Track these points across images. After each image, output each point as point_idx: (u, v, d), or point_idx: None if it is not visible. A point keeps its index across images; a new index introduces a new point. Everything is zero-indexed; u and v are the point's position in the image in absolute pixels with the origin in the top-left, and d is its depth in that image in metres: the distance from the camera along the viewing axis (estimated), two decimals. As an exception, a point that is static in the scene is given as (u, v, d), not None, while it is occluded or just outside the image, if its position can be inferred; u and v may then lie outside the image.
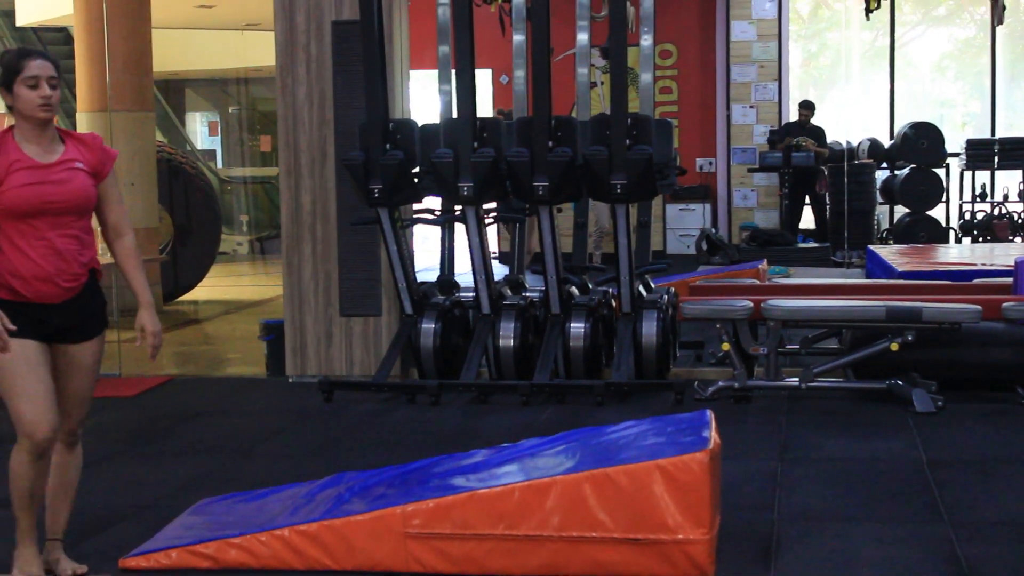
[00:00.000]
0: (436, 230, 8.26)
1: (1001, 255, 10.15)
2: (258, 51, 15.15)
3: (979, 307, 6.49)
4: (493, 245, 12.86)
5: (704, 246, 13.00)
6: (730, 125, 15.41)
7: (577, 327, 7.09)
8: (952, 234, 14.19)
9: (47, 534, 4.10)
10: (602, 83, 14.47)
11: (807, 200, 14.47)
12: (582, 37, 8.03)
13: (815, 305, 6.84)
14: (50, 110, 3.81)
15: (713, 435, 4.04)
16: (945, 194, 14.15)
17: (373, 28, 7.07)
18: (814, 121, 14.48)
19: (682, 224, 15.01)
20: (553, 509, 3.93)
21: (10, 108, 3.86)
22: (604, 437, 4.33)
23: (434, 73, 7.84)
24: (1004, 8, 13.63)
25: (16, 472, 3.90)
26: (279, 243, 8.17)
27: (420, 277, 7.61)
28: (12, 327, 3.73)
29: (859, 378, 6.87)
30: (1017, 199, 14.20)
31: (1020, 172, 14.09)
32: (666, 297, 7.37)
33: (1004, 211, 14.22)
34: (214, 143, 20.22)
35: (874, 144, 14.36)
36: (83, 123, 10.94)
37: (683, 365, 7.76)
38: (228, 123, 19.80)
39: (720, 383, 6.83)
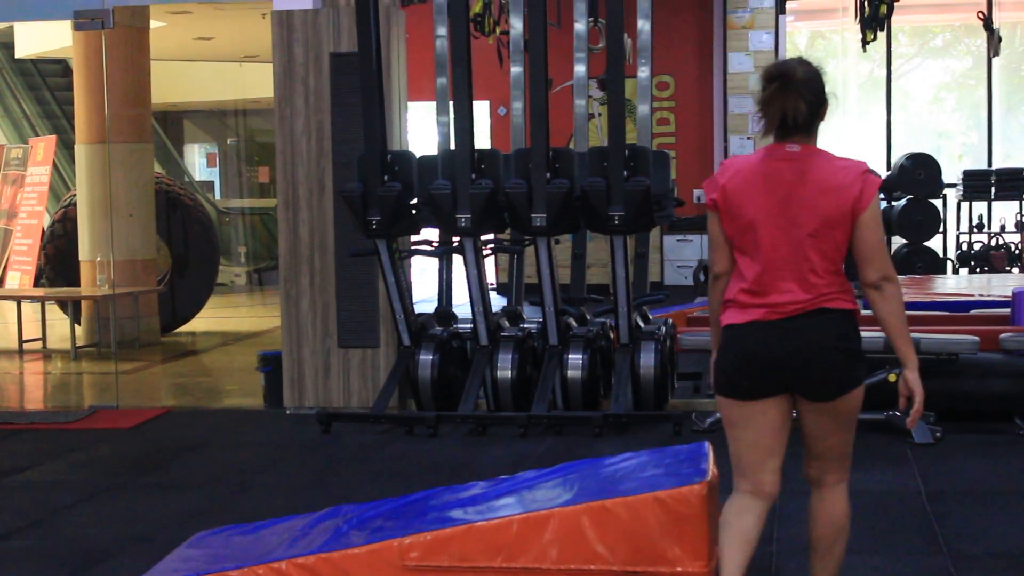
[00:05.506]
0: (434, 261, 8.27)
1: (999, 286, 10.17)
2: (256, 83, 15.22)
3: (977, 338, 6.50)
4: (491, 276, 12.86)
5: (702, 277, 13.00)
6: (728, 156, 15.44)
7: (575, 358, 7.08)
8: (949, 265, 14.20)
9: None
10: (600, 114, 14.51)
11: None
12: (580, 69, 8.08)
13: (813, 336, 6.81)
14: None
15: (711, 467, 4.02)
16: (942, 225, 14.16)
17: (371, 60, 7.10)
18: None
19: (680, 255, 14.97)
20: (551, 541, 3.91)
21: None
22: (602, 469, 4.31)
23: (432, 105, 7.89)
24: (1000, 40, 13.69)
25: None
26: (277, 274, 8.18)
27: (418, 308, 7.61)
28: None
29: (857, 409, 6.85)
30: (1014, 230, 14.23)
31: (1017, 203, 14.12)
32: (664, 328, 7.36)
33: (1001, 242, 14.24)
34: (212, 174, 20.27)
35: (871, 175, 14.37)
36: (81, 155, 10.98)
37: (681, 396, 7.74)
38: (226, 154, 19.86)
39: (718, 414, 6.80)
